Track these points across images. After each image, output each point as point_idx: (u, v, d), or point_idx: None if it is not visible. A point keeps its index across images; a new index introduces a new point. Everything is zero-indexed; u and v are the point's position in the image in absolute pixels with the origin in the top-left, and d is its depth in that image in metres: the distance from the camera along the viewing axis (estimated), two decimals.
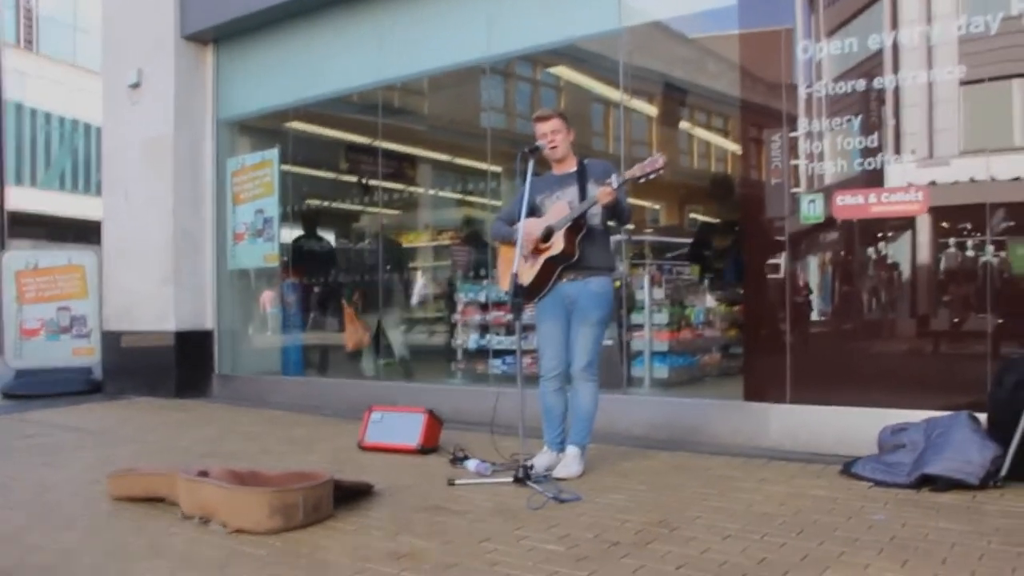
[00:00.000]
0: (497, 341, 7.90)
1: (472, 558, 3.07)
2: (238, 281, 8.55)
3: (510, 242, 4.54)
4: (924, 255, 4.89)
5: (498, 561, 3.03)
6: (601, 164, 4.55)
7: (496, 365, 7.98)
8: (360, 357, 8.73)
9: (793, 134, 5.09)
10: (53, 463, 4.99)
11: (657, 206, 11.63)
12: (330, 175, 10.88)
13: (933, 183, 4.73)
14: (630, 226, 6.55)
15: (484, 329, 8.10)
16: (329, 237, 11.31)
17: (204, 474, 3.84)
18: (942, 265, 4.89)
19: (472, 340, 8.19)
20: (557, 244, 4.31)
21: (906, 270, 4.96)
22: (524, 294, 4.30)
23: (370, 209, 10.29)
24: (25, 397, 8.20)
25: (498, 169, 9.92)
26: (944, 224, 4.85)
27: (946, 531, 3.29)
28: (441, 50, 6.92)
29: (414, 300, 9.87)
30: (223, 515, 3.46)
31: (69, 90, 28.50)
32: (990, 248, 4.60)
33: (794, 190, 5.09)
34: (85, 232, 28.21)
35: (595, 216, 4.35)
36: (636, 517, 3.59)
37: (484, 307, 8.13)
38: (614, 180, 4.15)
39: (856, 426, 4.65)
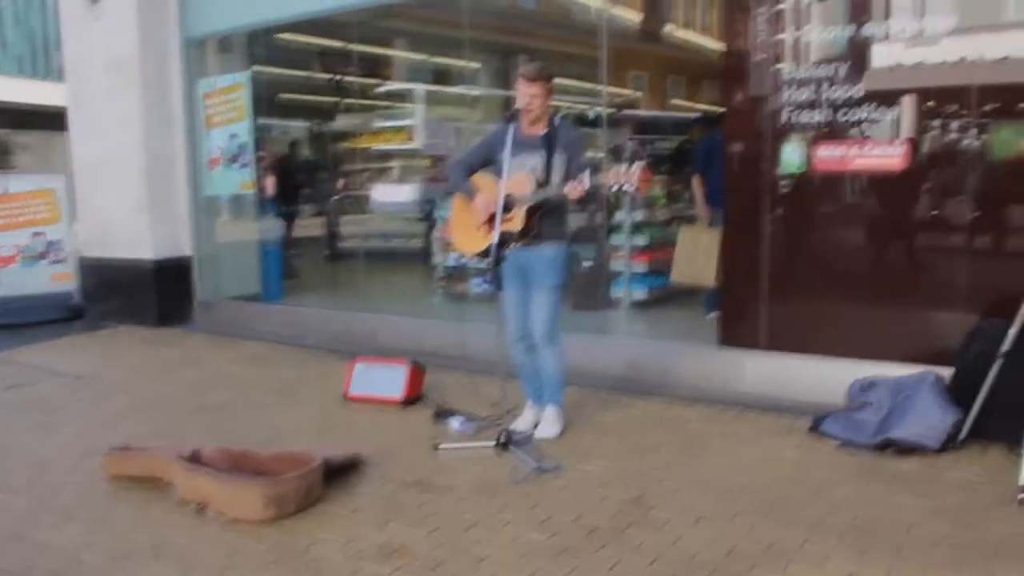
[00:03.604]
0: (476, 260, 7.97)
1: (458, 553, 3.24)
2: (215, 205, 8.47)
3: (465, 194, 4.57)
4: (906, 210, 4.93)
5: (484, 556, 3.21)
6: (570, 131, 4.53)
7: (476, 284, 8.11)
8: None
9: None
10: (45, 424, 5.10)
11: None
12: (304, 85, 10.75)
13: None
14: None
15: None
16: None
17: (197, 454, 3.99)
18: (920, 220, 4.94)
19: (451, 259, 8.27)
20: (517, 220, 4.32)
21: (886, 223, 5.01)
22: (485, 255, 4.34)
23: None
24: (6, 327, 8.21)
25: (476, 66, 9.75)
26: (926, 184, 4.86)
27: (904, 508, 3.51)
28: None
29: None
30: (219, 505, 3.61)
31: None
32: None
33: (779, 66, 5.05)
34: (50, 119, 27.51)
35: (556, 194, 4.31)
36: (614, 493, 3.77)
37: None
38: (586, 179, 4.08)
39: (828, 376, 4.84)
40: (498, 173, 4.34)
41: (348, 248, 10.35)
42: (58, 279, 8.80)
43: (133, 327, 8.14)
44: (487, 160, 4.53)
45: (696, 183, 6.98)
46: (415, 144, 10.44)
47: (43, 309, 8.58)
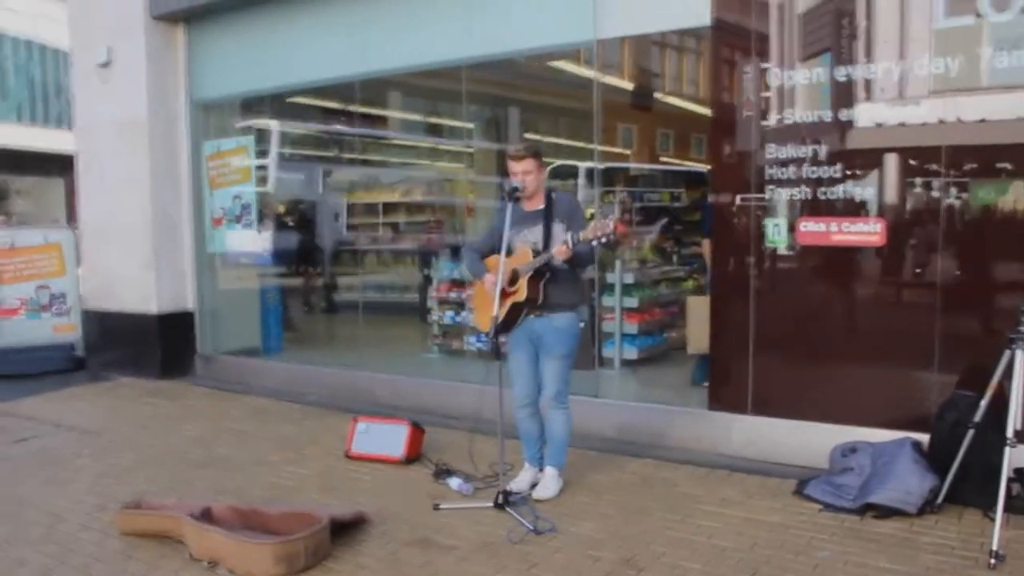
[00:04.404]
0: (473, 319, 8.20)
1: None
2: (217, 262, 8.68)
3: (478, 276, 4.83)
4: (886, 281, 5.18)
5: None
6: (566, 201, 4.78)
7: (471, 343, 8.32)
8: None
9: (765, 65, 5.27)
10: (55, 479, 5.25)
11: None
12: (305, 139, 11.00)
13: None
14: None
15: (460, 306, 8.41)
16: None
17: (208, 512, 4.16)
18: (900, 290, 5.19)
19: (448, 316, 8.50)
20: (521, 291, 4.54)
21: (867, 293, 5.25)
22: (496, 332, 4.55)
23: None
24: (9, 377, 8.37)
25: (471, 126, 10.05)
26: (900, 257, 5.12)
27: (882, 572, 3.70)
28: (419, 47, 6.95)
29: None
30: (230, 563, 3.78)
31: (24, 11, 27.62)
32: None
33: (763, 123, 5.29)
34: (45, 165, 27.86)
35: (558, 261, 4.50)
36: (606, 554, 3.96)
37: (460, 284, 8.42)
38: (569, 239, 4.34)
39: (811, 440, 5.07)
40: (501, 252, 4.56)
41: (344, 300, 10.57)
42: (60, 330, 8.98)
43: (135, 379, 8.32)
44: (495, 243, 4.72)
45: (706, 247, 6.73)
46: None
47: (45, 360, 8.75)
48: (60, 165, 26.39)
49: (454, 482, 4.96)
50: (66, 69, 25.64)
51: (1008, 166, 4.78)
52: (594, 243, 4.31)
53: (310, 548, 3.82)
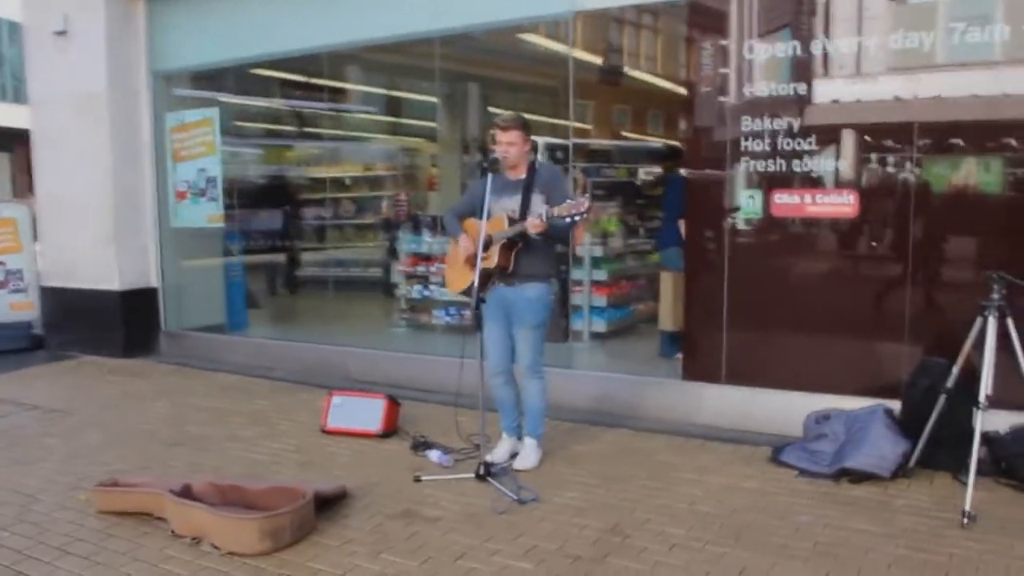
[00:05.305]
0: (441, 292, 8.19)
1: None
2: (181, 237, 8.50)
3: (456, 238, 4.85)
4: (856, 251, 5.28)
5: None
6: (548, 171, 4.80)
7: (439, 316, 8.30)
8: None
9: (739, 40, 5.33)
10: (23, 459, 5.13)
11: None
12: (262, 113, 10.82)
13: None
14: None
15: (427, 280, 8.38)
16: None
17: (188, 488, 4.10)
18: (869, 260, 5.29)
19: (416, 291, 8.46)
20: (492, 258, 4.54)
21: (838, 264, 5.34)
22: (468, 294, 4.55)
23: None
24: None
25: (435, 100, 9.96)
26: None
27: (862, 533, 3.79)
28: (391, 19, 6.84)
29: None
30: (215, 538, 3.74)
31: None
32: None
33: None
34: (4, 140, 26.98)
35: (532, 233, 4.47)
36: (591, 522, 3.99)
37: (427, 258, 8.39)
38: (544, 214, 4.36)
39: (784, 408, 5.16)
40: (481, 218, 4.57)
41: (307, 276, 10.50)
42: (18, 308, 8.75)
43: (98, 357, 8.15)
44: (475, 208, 4.75)
45: (682, 226, 6.43)
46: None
47: (2, 339, 8.51)
48: (6, 139, 25.70)
49: (433, 454, 4.95)
50: (11, 41, 24.95)
51: (961, 142, 4.90)
52: (567, 220, 4.32)
53: (295, 523, 3.80)
